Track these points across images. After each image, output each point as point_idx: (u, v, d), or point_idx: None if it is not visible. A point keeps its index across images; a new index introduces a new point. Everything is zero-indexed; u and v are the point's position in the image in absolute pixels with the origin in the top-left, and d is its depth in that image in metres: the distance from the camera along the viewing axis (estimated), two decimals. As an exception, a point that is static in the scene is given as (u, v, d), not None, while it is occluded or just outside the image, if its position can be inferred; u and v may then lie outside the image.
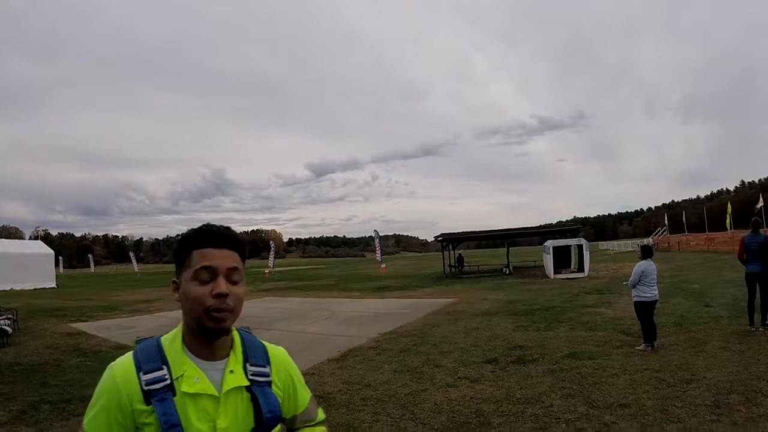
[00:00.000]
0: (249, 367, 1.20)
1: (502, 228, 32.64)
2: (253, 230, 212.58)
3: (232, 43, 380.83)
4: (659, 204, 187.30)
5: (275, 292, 22.89)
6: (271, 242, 47.67)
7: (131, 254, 70.67)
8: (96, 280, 49.38)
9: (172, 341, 1.17)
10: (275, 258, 43.63)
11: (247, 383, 1.18)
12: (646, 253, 7.68)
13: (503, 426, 4.63)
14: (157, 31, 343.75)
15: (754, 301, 8.01)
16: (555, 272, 22.52)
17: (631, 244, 62.36)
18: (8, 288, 28.89)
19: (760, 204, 34.66)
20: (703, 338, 7.63)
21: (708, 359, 6.42)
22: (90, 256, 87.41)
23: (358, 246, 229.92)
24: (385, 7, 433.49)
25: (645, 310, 7.34)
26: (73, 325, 13.24)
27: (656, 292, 7.47)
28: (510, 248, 32.72)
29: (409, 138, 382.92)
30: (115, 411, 1.09)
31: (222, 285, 1.11)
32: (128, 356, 1.15)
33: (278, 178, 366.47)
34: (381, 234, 43.75)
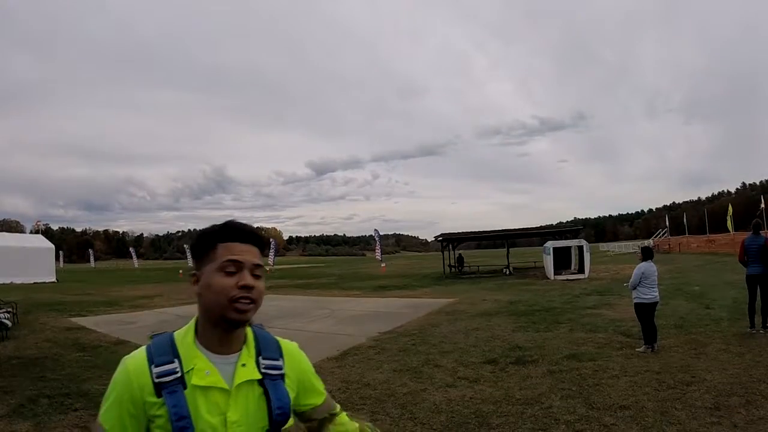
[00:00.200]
0: (261, 361, 1.21)
1: (503, 228, 32.61)
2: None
3: (234, 40, 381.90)
4: (660, 205, 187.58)
5: (275, 290, 22.86)
6: (271, 240, 47.73)
7: (131, 250, 70.94)
8: (96, 275, 49.43)
9: (184, 336, 1.19)
10: (275, 256, 43.66)
11: (260, 376, 1.18)
12: (647, 254, 7.66)
13: (502, 427, 4.62)
14: (159, 29, 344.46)
15: (755, 303, 7.99)
16: (555, 273, 22.50)
17: (632, 246, 62.38)
18: (8, 281, 28.93)
19: (763, 206, 34.63)
20: (704, 340, 7.61)
21: (708, 361, 6.40)
22: (90, 251, 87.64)
23: (359, 245, 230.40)
24: (386, 5, 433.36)
25: (645, 311, 7.32)
26: (73, 319, 13.25)
27: (657, 293, 7.45)
28: (510, 249, 32.72)
29: (410, 137, 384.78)
30: (127, 403, 1.11)
31: (248, 277, 1.14)
32: (142, 350, 1.18)
33: (279, 176, 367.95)
34: (381, 233, 43.80)
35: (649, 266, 7.41)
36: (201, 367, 1.13)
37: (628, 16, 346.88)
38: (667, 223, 62.41)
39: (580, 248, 23.12)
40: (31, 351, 8.71)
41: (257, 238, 1.21)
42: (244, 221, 1.24)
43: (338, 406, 1.42)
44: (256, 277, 1.17)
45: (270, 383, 1.19)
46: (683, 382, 5.56)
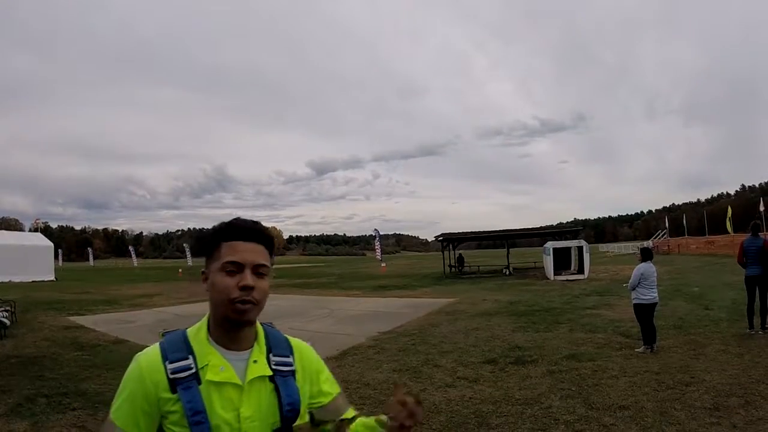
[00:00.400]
0: (272, 357, 1.22)
1: (503, 229, 32.64)
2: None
3: (234, 40, 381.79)
4: (660, 207, 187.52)
5: (275, 289, 22.75)
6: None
7: (131, 248, 70.87)
8: (95, 274, 49.35)
9: (197, 332, 1.19)
10: (275, 255, 43.66)
11: (270, 373, 1.19)
12: (646, 255, 7.66)
13: (502, 427, 4.61)
14: (160, 28, 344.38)
15: (754, 304, 7.99)
16: (555, 274, 22.52)
17: (631, 247, 62.41)
18: (7, 280, 28.86)
19: (762, 207, 34.65)
20: (703, 341, 7.61)
21: (707, 362, 6.40)
22: (89, 249, 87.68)
23: (359, 245, 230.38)
24: (386, 5, 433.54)
25: (644, 312, 7.32)
26: (72, 318, 13.24)
27: (656, 294, 7.45)
28: (510, 249, 32.71)
29: (411, 137, 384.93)
30: (140, 400, 1.11)
31: (248, 277, 1.14)
32: (155, 347, 1.18)
33: (279, 176, 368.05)
34: (381, 233, 43.84)
35: (648, 267, 7.41)
36: (215, 363, 1.14)
37: (629, 18, 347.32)
38: (667, 225, 62.53)
39: (580, 249, 23.14)
40: (29, 350, 8.70)
41: (262, 235, 1.20)
42: (249, 219, 1.23)
43: (351, 410, 1.39)
44: (260, 276, 1.16)
45: (280, 379, 1.20)
46: (682, 383, 5.56)
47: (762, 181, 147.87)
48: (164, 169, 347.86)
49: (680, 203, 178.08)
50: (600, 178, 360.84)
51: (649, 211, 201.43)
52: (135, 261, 65.35)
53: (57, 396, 5.85)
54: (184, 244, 66.57)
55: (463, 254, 34.86)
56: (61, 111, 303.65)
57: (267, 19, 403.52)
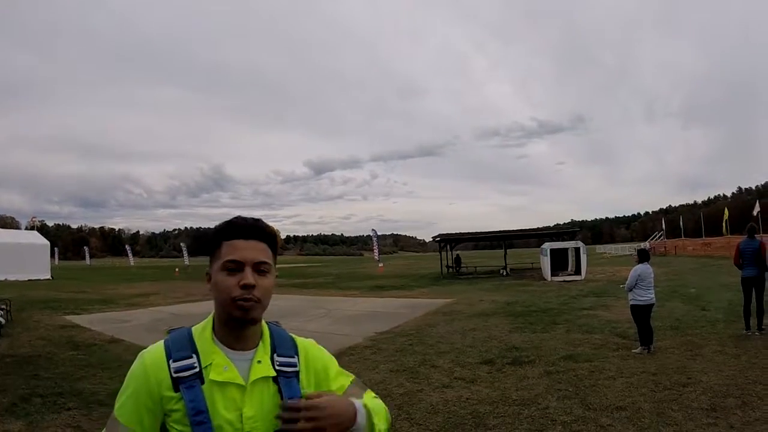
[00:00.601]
0: (276, 358, 1.21)
1: (500, 229, 32.67)
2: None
3: (233, 39, 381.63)
4: (656, 209, 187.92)
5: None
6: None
7: (127, 247, 70.64)
8: (91, 273, 49.21)
9: (202, 331, 1.19)
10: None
11: (274, 374, 1.18)
12: (643, 256, 7.67)
13: (499, 427, 4.61)
14: (159, 27, 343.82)
15: (750, 305, 8.02)
16: (552, 274, 22.55)
17: (628, 248, 62.47)
18: (2, 278, 28.72)
19: (757, 210, 34.75)
20: (700, 342, 7.62)
21: (704, 363, 6.41)
22: (86, 248, 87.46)
23: (356, 245, 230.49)
24: (386, 5, 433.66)
25: (641, 313, 7.33)
26: (68, 317, 13.19)
27: (653, 295, 7.46)
28: (507, 250, 32.72)
29: (409, 138, 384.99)
30: (144, 397, 1.11)
31: (248, 276, 1.13)
32: (159, 344, 1.17)
33: (277, 175, 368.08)
34: (379, 233, 43.77)
35: (645, 268, 7.42)
36: (219, 363, 1.13)
37: (628, 20, 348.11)
38: (664, 226, 62.62)
39: (577, 250, 23.15)
40: (24, 349, 8.65)
41: (263, 233, 1.19)
42: (250, 216, 1.22)
43: (369, 392, 1.34)
44: (261, 273, 1.15)
45: (284, 380, 1.19)
46: (679, 384, 5.56)
47: (758, 183, 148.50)
48: (161, 168, 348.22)
49: (677, 205, 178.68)
50: (598, 180, 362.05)
51: (646, 213, 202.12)
52: (131, 260, 65.15)
53: (52, 396, 5.81)
54: (181, 244, 66.38)
55: (460, 255, 34.90)
56: (59, 109, 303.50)
57: (265, 19, 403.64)
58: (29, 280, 31.03)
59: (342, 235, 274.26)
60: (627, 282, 7.57)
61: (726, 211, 44.07)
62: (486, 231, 32.91)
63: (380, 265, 39.66)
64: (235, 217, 1.21)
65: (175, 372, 1.11)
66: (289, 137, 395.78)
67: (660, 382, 5.68)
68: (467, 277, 27.80)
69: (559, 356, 7.18)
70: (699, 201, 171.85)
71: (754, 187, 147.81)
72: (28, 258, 32.85)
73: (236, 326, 1.15)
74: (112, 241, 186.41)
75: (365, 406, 1.19)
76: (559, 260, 23.60)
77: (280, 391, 1.17)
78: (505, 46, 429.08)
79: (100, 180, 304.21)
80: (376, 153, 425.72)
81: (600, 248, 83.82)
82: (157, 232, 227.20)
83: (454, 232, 32.03)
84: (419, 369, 6.82)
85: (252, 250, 1.15)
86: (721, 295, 12.88)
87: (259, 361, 1.17)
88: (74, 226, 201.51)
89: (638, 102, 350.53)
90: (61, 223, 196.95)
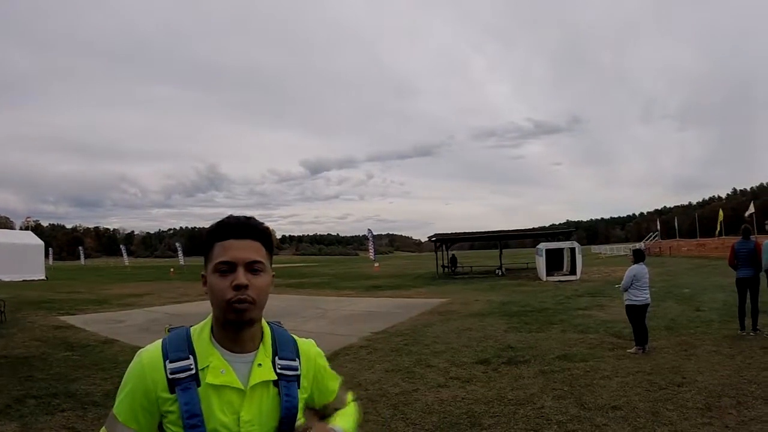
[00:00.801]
0: (278, 361, 1.20)
1: (496, 230, 32.72)
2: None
3: (230, 37, 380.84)
4: (651, 209, 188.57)
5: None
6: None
7: (122, 247, 70.28)
8: (86, 273, 49.02)
9: (200, 332, 1.18)
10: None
11: (275, 377, 1.18)
12: (639, 257, 7.69)
13: (494, 427, 4.61)
14: (154, 25, 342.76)
15: (745, 305, 8.06)
16: (547, 274, 22.59)
17: (623, 249, 62.70)
18: (-3, 279, 28.59)
19: (751, 211, 34.93)
20: (695, 342, 7.65)
21: (699, 363, 6.43)
22: (80, 248, 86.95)
23: (352, 244, 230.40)
24: (384, 5, 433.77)
25: (637, 313, 7.35)
26: (62, 318, 13.11)
27: (648, 295, 7.47)
28: (503, 250, 32.76)
29: (405, 138, 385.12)
30: (141, 397, 1.11)
31: (240, 276, 1.11)
32: (157, 344, 1.16)
33: (273, 174, 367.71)
34: (375, 233, 43.86)
35: (640, 268, 7.44)
36: (216, 365, 1.12)
37: (625, 21, 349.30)
38: (658, 227, 62.84)
39: (572, 250, 23.22)
40: (19, 350, 8.60)
41: (255, 231, 1.17)
42: (242, 215, 1.20)
43: (349, 398, 1.42)
44: (255, 273, 1.13)
45: (284, 384, 1.18)
46: (674, 383, 5.58)
47: (753, 185, 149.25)
48: (156, 167, 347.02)
49: (672, 206, 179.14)
50: (593, 181, 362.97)
51: (641, 214, 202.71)
52: (126, 260, 64.78)
53: (46, 397, 5.77)
54: (176, 243, 66.09)
55: (456, 255, 34.92)
56: (54, 108, 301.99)
57: (262, 18, 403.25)
58: (23, 280, 30.89)
59: (338, 234, 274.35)
60: (622, 282, 7.59)
61: (721, 213, 44.31)
62: (482, 231, 32.96)
63: (376, 265, 39.66)
64: (227, 217, 1.19)
65: (171, 373, 1.10)
66: (285, 136, 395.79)
67: (655, 381, 5.69)
68: (463, 277, 27.81)
69: (554, 356, 7.19)
70: (694, 202, 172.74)
71: (748, 189, 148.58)
72: (22, 258, 32.65)
73: (233, 328, 1.14)
74: (106, 241, 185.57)
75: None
76: (554, 260, 23.64)
77: (279, 394, 1.17)
78: (502, 47, 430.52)
79: (94, 179, 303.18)
80: (372, 153, 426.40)
81: (595, 248, 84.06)
82: (152, 231, 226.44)
83: (450, 232, 32.10)
84: (415, 369, 6.82)
85: (244, 249, 1.13)
86: (715, 296, 12.94)
87: (259, 365, 1.16)
88: (69, 226, 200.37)
89: (634, 103, 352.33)
90: (55, 223, 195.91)
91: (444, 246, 31.44)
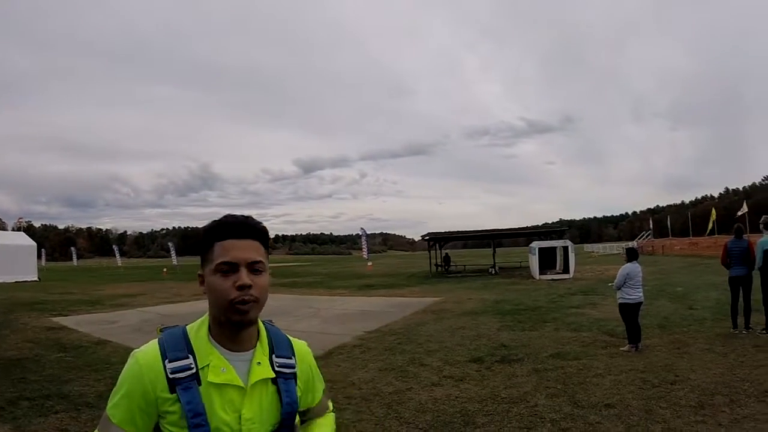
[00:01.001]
0: (275, 359, 1.21)
1: (489, 228, 32.79)
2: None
3: (224, 36, 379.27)
4: (644, 208, 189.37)
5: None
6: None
7: (115, 248, 69.80)
8: (79, 274, 48.70)
9: (197, 331, 1.17)
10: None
11: (273, 375, 1.19)
12: (632, 255, 7.72)
13: (488, 425, 4.62)
14: (154, 25, 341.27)
15: (738, 304, 8.11)
16: (540, 273, 22.67)
17: (616, 247, 63.02)
18: (-11, 280, 28.37)
19: (744, 210, 35.17)
20: (687, 340, 7.70)
21: (692, 361, 6.47)
22: (73, 248, 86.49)
23: (345, 244, 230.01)
24: (379, 4, 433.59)
25: (630, 311, 7.38)
26: (55, 319, 13.01)
27: (641, 294, 7.51)
28: (496, 249, 32.86)
29: (398, 137, 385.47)
30: (138, 398, 1.10)
31: (244, 276, 1.11)
32: (153, 344, 1.15)
33: (266, 174, 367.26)
34: (368, 232, 43.81)
35: (633, 267, 7.47)
36: (216, 364, 1.12)
37: (618, 21, 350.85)
38: (651, 226, 63.14)
39: (565, 249, 23.31)
40: (11, 352, 8.53)
41: (255, 230, 1.17)
42: (240, 214, 1.20)
43: (329, 407, 1.44)
44: (256, 272, 1.14)
45: (282, 381, 1.19)
46: (667, 381, 5.61)
47: (746, 184, 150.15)
48: (149, 167, 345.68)
49: (665, 205, 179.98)
50: (586, 180, 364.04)
51: (634, 213, 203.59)
52: (119, 260, 64.40)
53: (39, 399, 5.73)
54: (169, 243, 65.75)
55: (449, 253, 34.96)
56: (46, 108, 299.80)
57: (262, 18, 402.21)
58: (16, 281, 30.62)
59: (331, 234, 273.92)
60: (615, 280, 7.62)
61: (713, 212, 44.61)
62: (475, 230, 33.07)
63: (369, 264, 39.68)
64: (225, 216, 1.19)
65: (171, 373, 1.09)
66: (278, 136, 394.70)
67: (648, 379, 5.73)
68: (456, 276, 27.86)
69: (547, 354, 7.22)
70: (687, 201, 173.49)
71: (741, 188, 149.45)
72: (14, 259, 32.36)
73: (234, 328, 1.14)
74: (99, 242, 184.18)
75: None
76: (547, 259, 23.73)
77: (278, 391, 1.18)
78: (496, 46, 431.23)
79: (87, 179, 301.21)
80: (365, 152, 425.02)
81: (588, 247, 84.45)
82: (144, 231, 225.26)
83: (443, 231, 32.16)
84: (408, 368, 6.82)
85: (245, 249, 1.13)
86: (708, 294, 13.03)
87: (258, 363, 1.17)
88: (61, 226, 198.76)
89: (627, 103, 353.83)
90: (48, 224, 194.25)
91: (437, 245, 31.50)
